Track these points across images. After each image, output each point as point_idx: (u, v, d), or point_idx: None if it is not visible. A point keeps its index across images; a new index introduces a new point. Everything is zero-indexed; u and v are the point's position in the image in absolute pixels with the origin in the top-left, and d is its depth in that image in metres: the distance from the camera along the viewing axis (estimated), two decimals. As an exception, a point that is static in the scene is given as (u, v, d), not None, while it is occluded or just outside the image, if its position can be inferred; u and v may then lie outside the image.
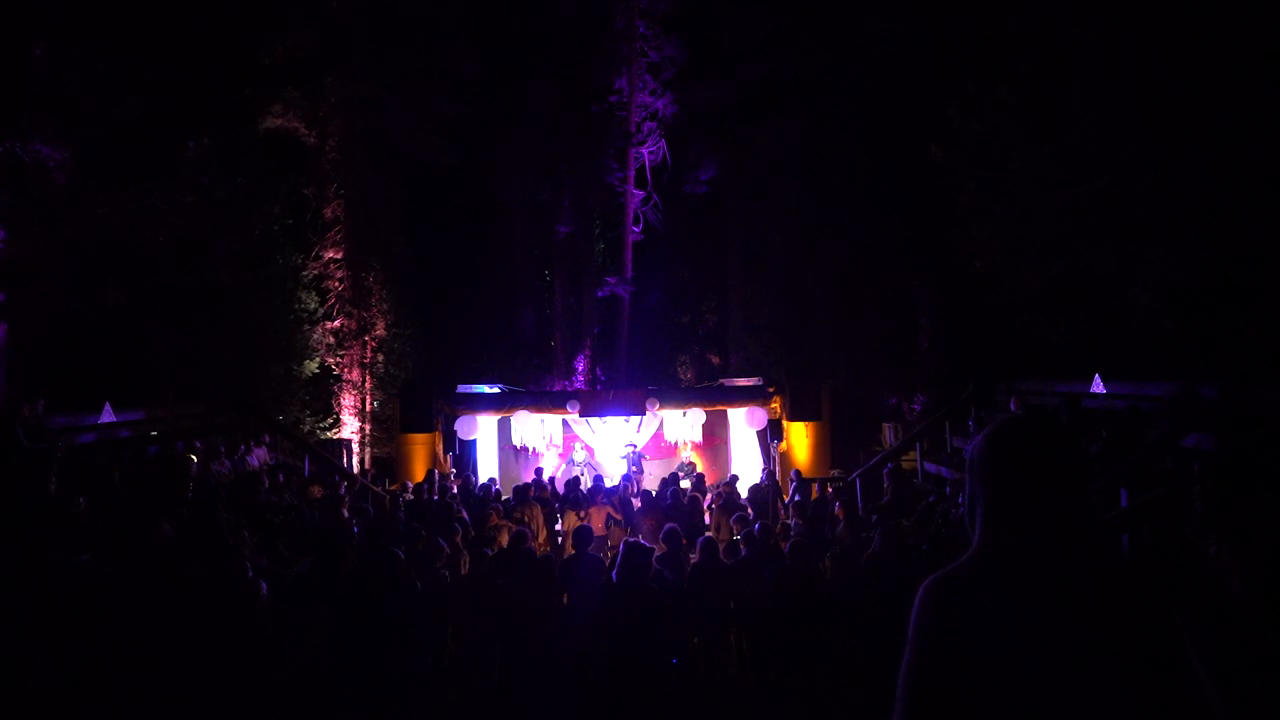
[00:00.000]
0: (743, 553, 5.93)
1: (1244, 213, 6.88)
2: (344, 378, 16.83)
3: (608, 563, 5.21)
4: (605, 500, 8.97)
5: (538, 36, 20.55)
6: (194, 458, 8.45)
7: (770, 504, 9.36)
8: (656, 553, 5.10)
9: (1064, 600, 1.17)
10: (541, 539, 8.47)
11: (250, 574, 4.13)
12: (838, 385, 13.90)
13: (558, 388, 19.76)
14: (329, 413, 16.60)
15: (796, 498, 9.68)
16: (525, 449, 13.22)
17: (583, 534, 5.61)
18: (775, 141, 18.13)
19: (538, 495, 9.33)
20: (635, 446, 12.81)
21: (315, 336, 15.91)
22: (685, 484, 10.09)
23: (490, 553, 5.93)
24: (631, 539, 4.47)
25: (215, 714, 3.37)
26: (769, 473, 10.76)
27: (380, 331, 17.24)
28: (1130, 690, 1.12)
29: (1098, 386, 8.77)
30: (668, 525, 6.16)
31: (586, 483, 10.22)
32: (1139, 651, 1.14)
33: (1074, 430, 7.17)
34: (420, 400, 12.54)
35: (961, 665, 1.17)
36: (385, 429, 16.78)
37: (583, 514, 8.79)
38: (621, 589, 4.13)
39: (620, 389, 15.16)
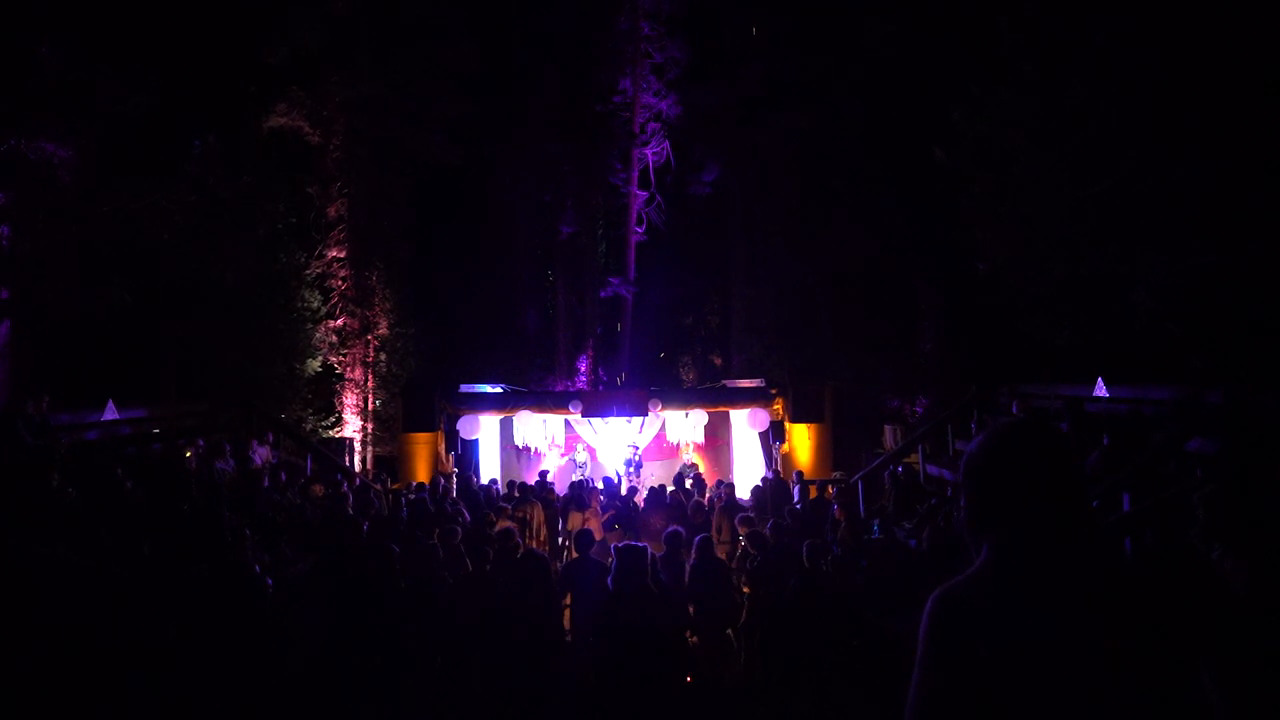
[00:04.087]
0: (757, 558, 5.90)
1: (1249, 216, 6.86)
2: (346, 377, 16.84)
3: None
4: (605, 504, 8.93)
5: (542, 37, 20.57)
6: (190, 454, 8.47)
7: (773, 506, 9.34)
8: (656, 554, 5.07)
9: (1077, 609, 1.16)
10: (543, 538, 8.44)
11: (256, 569, 4.14)
12: (840, 387, 13.88)
13: (560, 388, 19.75)
14: (331, 412, 16.61)
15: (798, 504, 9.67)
16: (527, 449, 13.23)
17: (584, 537, 5.60)
18: (779, 143, 18.12)
19: (540, 494, 9.25)
20: (637, 448, 12.80)
21: (318, 335, 15.94)
22: (687, 484, 10.08)
23: (491, 553, 5.92)
24: (623, 543, 4.44)
25: (219, 711, 3.37)
26: (775, 474, 10.75)
27: (383, 330, 17.26)
28: (1142, 696, 1.12)
29: (1100, 390, 8.77)
30: (671, 528, 6.12)
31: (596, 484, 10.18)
32: (1149, 658, 1.14)
33: (1068, 434, 7.16)
34: (422, 399, 12.55)
35: (974, 679, 1.15)
36: (387, 428, 16.78)
37: (586, 516, 8.75)
38: (618, 594, 4.09)
39: (622, 389, 15.16)
